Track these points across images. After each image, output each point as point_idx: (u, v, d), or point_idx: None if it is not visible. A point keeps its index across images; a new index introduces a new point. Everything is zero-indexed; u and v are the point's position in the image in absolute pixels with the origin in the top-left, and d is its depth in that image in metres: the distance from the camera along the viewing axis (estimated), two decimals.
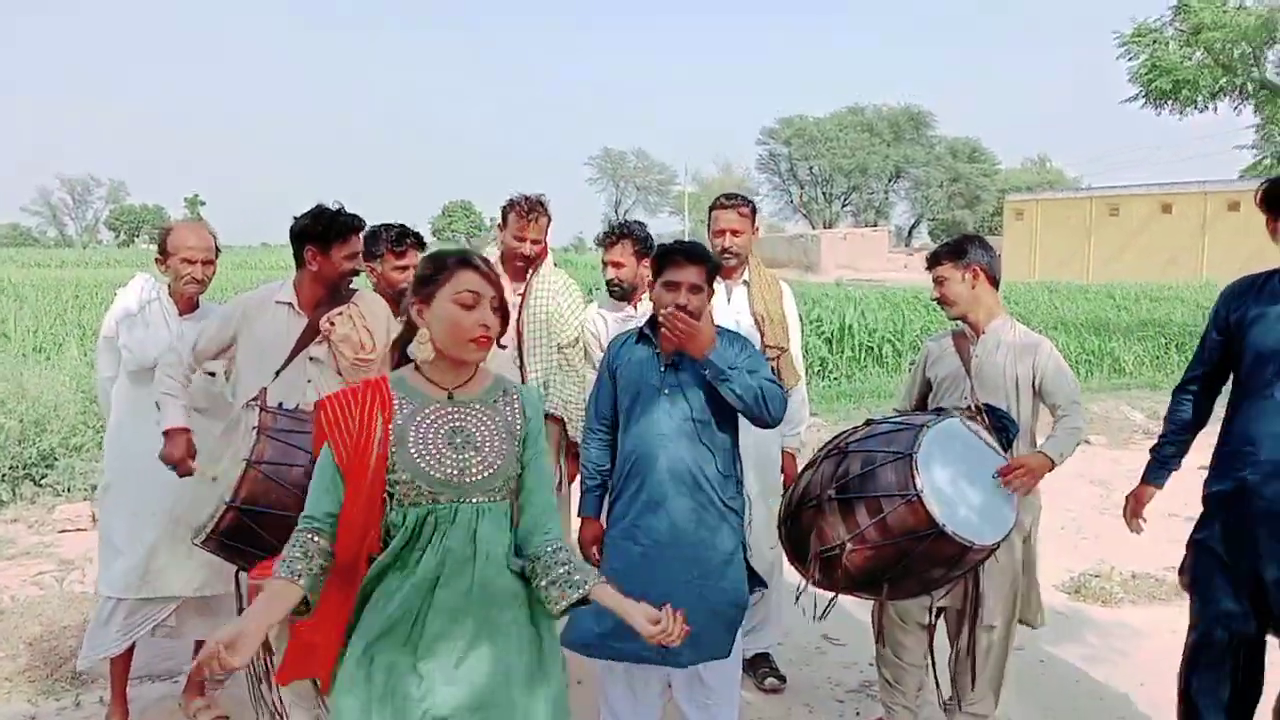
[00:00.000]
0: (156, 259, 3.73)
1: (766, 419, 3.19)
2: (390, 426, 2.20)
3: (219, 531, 3.08)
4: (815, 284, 29.33)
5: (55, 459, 7.18)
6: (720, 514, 3.21)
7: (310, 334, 3.47)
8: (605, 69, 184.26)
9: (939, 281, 3.60)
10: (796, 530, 3.29)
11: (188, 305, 3.76)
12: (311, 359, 3.45)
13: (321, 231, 3.42)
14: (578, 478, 3.69)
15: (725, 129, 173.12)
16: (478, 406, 2.29)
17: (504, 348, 2.65)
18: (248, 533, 3.07)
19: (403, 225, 3.91)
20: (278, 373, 3.41)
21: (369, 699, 2.17)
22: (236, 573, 3.34)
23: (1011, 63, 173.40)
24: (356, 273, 3.54)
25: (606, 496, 3.39)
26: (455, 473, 2.20)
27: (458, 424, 2.25)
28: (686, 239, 4.09)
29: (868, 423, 3.40)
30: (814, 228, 65.88)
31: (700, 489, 3.19)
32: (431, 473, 2.19)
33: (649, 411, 3.24)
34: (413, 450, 2.19)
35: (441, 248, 2.53)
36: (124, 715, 3.81)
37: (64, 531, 6.26)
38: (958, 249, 3.60)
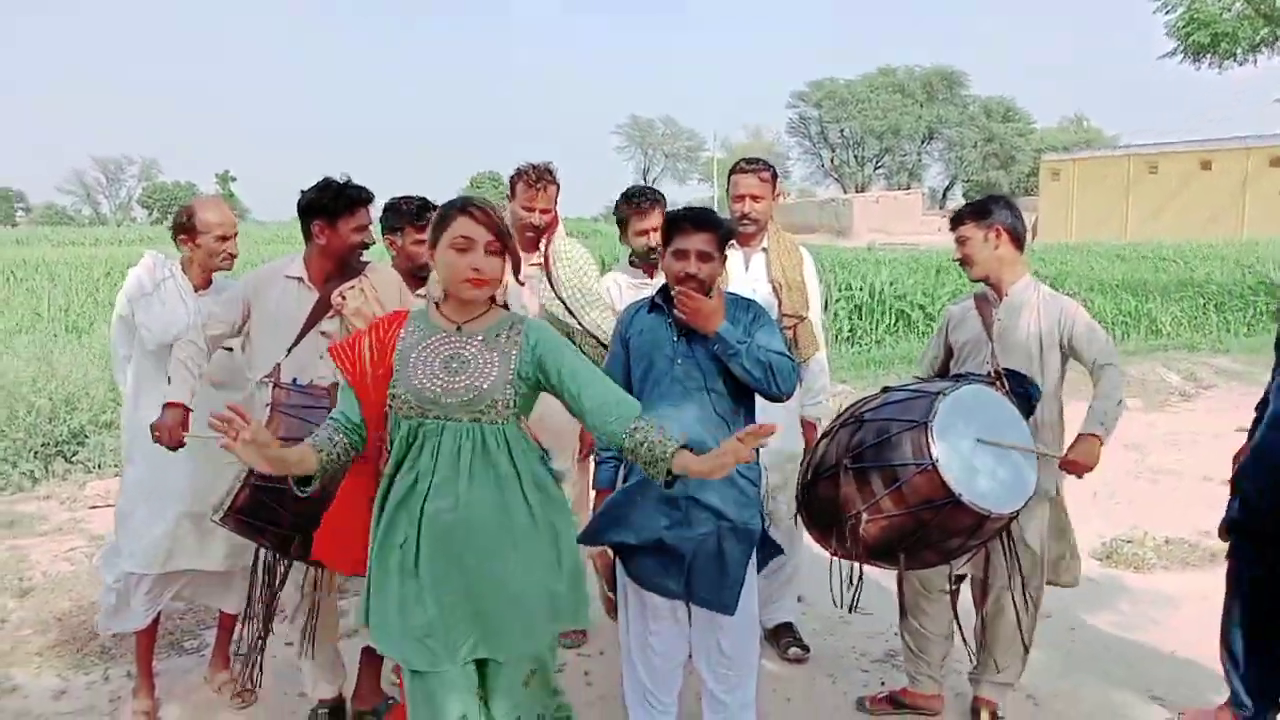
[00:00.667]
0: (181, 238, 3.69)
1: (776, 393, 3.13)
2: (397, 346, 2.55)
3: (236, 508, 3.08)
4: (847, 248, 29.07)
5: (86, 436, 7.26)
6: (733, 483, 3.15)
7: (322, 308, 3.45)
8: (632, 35, 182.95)
9: (961, 241, 3.52)
10: (813, 499, 3.25)
11: (204, 281, 3.75)
12: (323, 334, 3.43)
13: (328, 205, 3.40)
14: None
15: (754, 93, 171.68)
16: (479, 338, 2.54)
17: (521, 284, 2.88)
18: (265, 509, 3.07)
19: (424, 198, 3.86)
20: (290, 349, 3.40)
21: (402, 647, 2.51)
22: (257, 550, 3.36)
23: (1046, 19, 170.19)
24: (366, 246, 3.51)
25: (621, 468, 3.34)
26: (441, 391, 2.47)
27: (456, 351, 2.52)
28: (715, 206, 4.02)
29: (885, 390, 3.33)
30: (846, 192, 65.32)
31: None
32: (422, 390, 2.47)
33: (661, 381, 3.19)
34: (412, 369, 2.50)
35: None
36: (150, 690, 3.84)
37: (95, 508, 6.32)
38: (981, 208, 3.51)
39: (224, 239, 3.67)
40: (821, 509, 3.20)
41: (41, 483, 6.89)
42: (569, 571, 2.63)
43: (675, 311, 3.10)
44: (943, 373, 3.68)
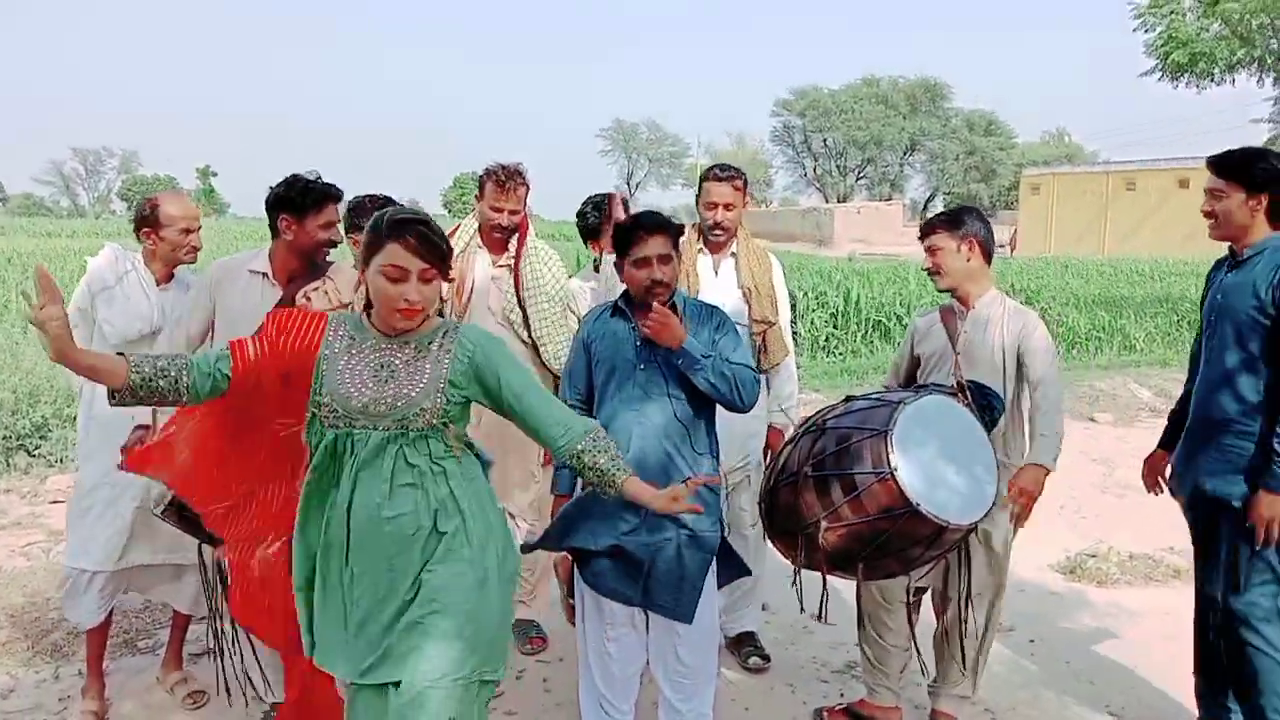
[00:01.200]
0: (145, 231, 3.62)
1: (739, 405, 3.13)
2: (321, 351, 2.46)
3: (176, 501, 3.03)
4: (827, 258, 29.15)
5: (49, 430, 7.16)
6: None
7: (287, 304, 3.41)
8: (619, 39, 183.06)
9: (932, 251, 3.50)
10: (775, 506, 3.24)
11: (166, 275, 3.69)
12: None
13: (296, 200, 3.36)
14: None
15: (739, 100, 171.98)
16: (411, 345, 2.46)
17: (441, 316, 2.73)
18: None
19: (387, 196, 3.83)
20: None
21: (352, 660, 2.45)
22: (199, 547, 3.31)
23: (1030, 35, 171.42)
24: (333, 243, 3.48)
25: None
26: (370, 400, 2.40)
27: (386, 359, 2.44)
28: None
29: (848, 399, 3.32)
30: (828, 201, 65.50)
31: (676, 466, 3.12)
32: (350, 399, 2.40)
33: (624, 387, 3.17)
34: (339, 376, 2.42)
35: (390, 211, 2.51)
36: (100, 690, 3.77)
37: (56, 502, 6.22)
38: (954, 218, 3.49)
39: (187, 232, 3.61)
40: (783, 516, 3.19)
41: (2, 476, 6.79)
42: (497, 602, 2.52)
43: (640, 325, 3.07)
44: (909, 382, 3.68)
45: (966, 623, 3.44)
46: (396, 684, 2.38)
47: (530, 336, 4.14)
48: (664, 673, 3.24)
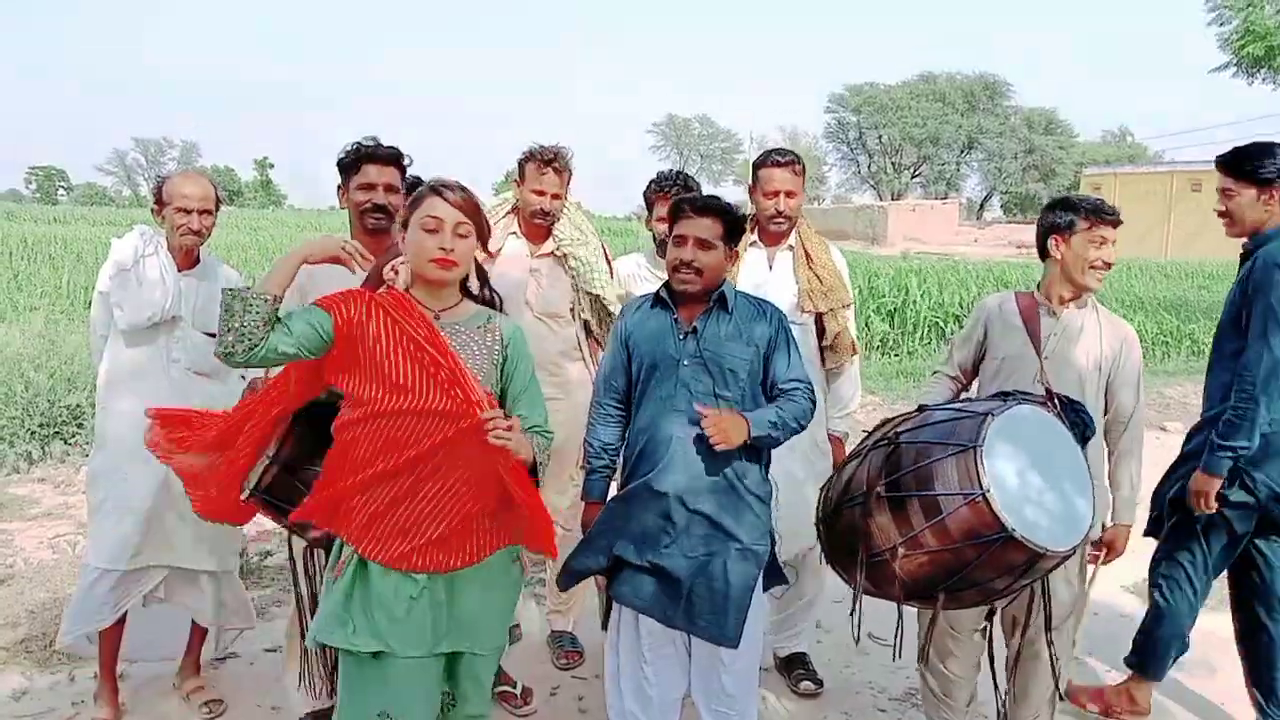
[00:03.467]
0: (153, 209, 3.47)
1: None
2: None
3: (262, 489, 2.83)
4: (880, 256, 28.63)
5: (85, 417, 7.04)
6: (742, 501, 2.86)
7: (374, 283, 3.20)
8: (671, 31, 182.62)
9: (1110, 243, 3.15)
10: (836, 529, 2.93)
11: (187, 260, 3.49)
12: None
13: (340, 163, 3.26)
14: None
15: (792, 96, 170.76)
16: (463, 328, 2.48)
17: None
18: (289, 489, 2.82)
19: (416, 177, 3.58)
20: None
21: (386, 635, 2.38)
22: (290, 537, 3.09)
23: (1093, 30, 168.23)
24: (378, 207, 3.24)
25: (614, 480, 3.07)
26: None
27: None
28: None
29: (920, 409, 3.00)
30: (882, 199, 64.60)
31: (722, 472, 2.85)
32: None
33: (666, 385, 2.91)
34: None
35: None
36: (113, 695, 3.60)
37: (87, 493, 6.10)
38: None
39: (184, 212, 3.39)
40: (847, 540, 2.87)
41: (38, 464, 6.69)
42: (517, 577, 2.67)
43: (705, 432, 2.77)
44: (974, 371, 3.37)
45: (1048, 650, 3.11)
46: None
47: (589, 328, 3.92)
48: (706, 703, 2.98)
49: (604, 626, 3.12)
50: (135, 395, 3.36)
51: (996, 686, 3.23)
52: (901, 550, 2.69)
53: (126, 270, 3.36)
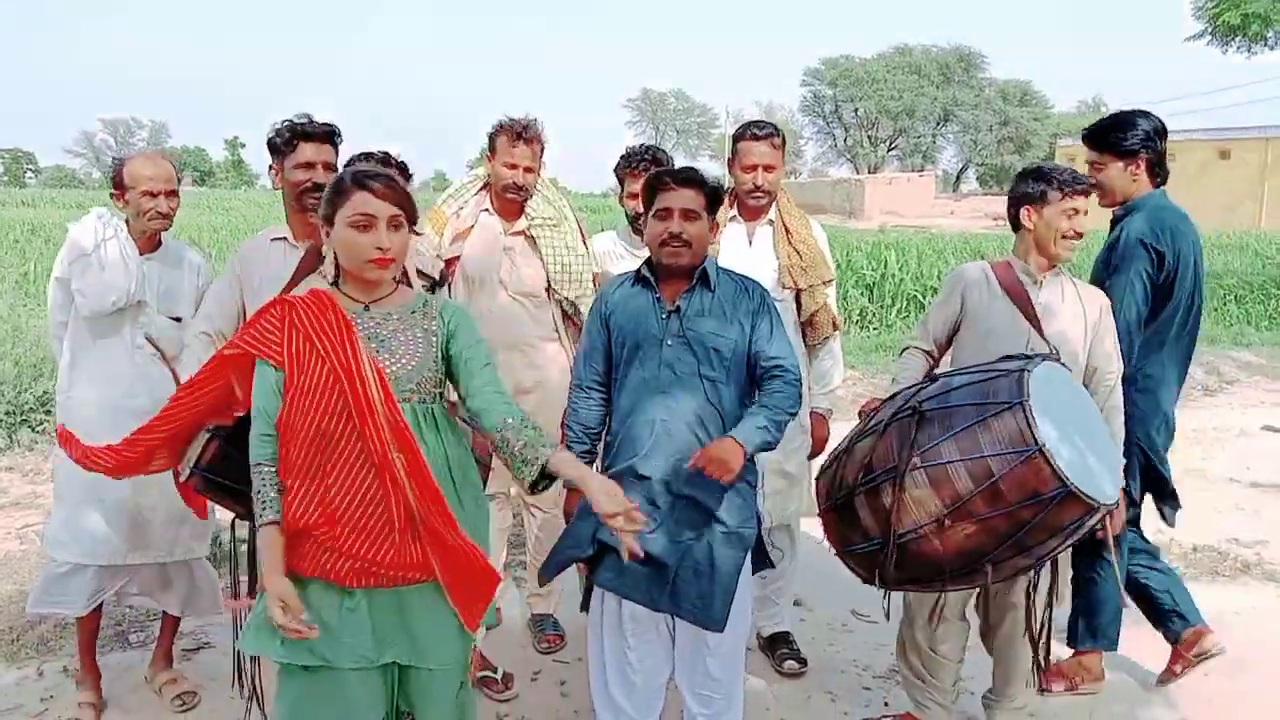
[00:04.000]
0: (112, 194, 3.34)
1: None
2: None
3: (203, 464, 2.72)
4: (857, 230, 28.58)
5: (53, 404, 6.88)
6: (727, 484, 2.79)
7: (310, 262, 3.13)
8: (646, 4, 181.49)
9: (1076, 215, 3.09)
10: (853, 514, 2.82)
11: (149, 243, 3.37)
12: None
13: (273, 142, 3.17)
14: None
15: (768, 70, 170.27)
16: (394, 315, 2.34)
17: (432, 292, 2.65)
18: (235, 465, 2.71)
19: (385, 152, 3.47)
20: None
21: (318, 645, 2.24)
22: (233, 521, 2.99)
23: (1068, 2, 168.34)
24: (320, 187, 3.13)
25: (596, 463, 2.99)
26: None
27: (372, 330, 2.30)
28: (727, 183, 3.65)
29: (933, 378, 2.91)
30: (858, 172, 64.55)
31: None
32: None
33: (648, 365, 2.83)
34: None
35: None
36: (95, 680, 3.52)
37: (54, 481, 5.97)
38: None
39: (150, 195, 3.27)
40: (871, 523, 2.76)
41: (5, 453, 6.54)
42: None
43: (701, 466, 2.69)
44: (947, 346, 3.31)
45: (1046, 622, 3.07)
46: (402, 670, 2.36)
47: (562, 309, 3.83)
48: (690, 686, 2.92)
49: (583, 608, 3.06)
50: (99, 382, 3.28)
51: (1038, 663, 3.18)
52: (947, 521, 2.60)
53: (87, 255, 3.24)
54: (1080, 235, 3.07)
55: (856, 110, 70.34)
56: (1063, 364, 2.89)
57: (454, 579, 2.29)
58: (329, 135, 3.21)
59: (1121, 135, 3.41)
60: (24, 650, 3.92)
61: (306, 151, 3.16)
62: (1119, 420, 3.14)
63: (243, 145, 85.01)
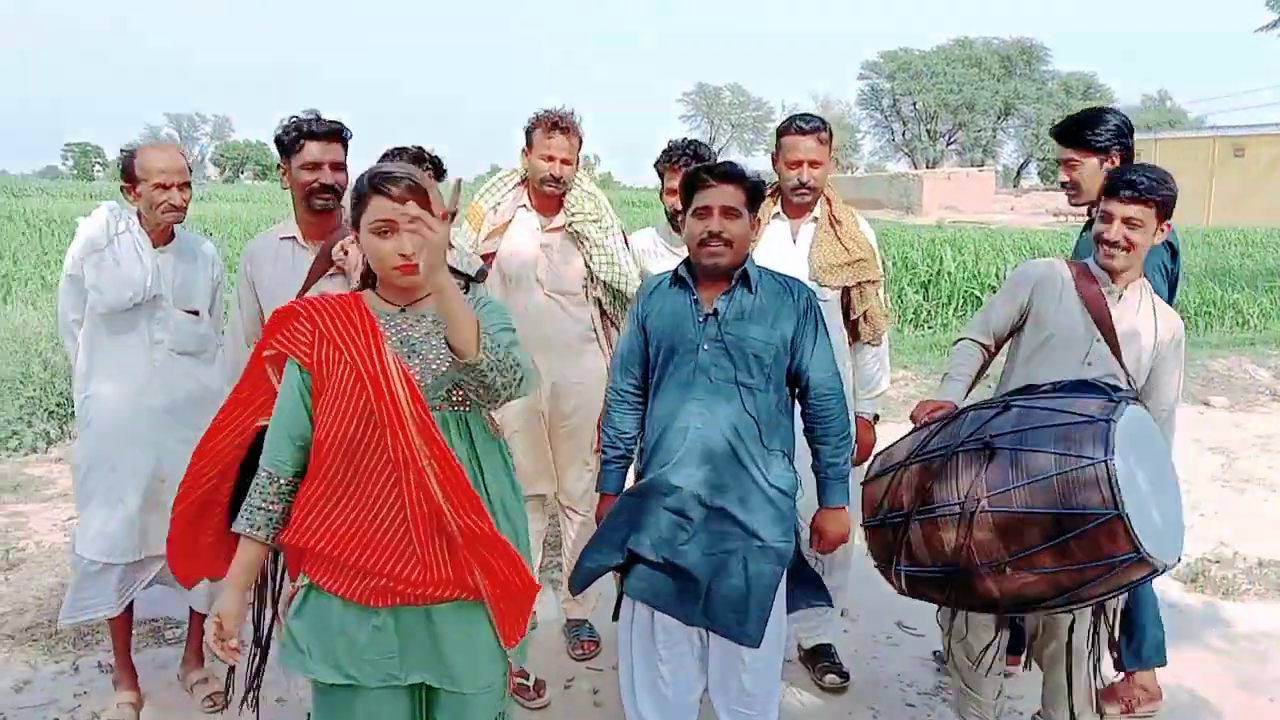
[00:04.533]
0: (123, 187, 3.26)
1: None
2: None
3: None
4: (914, 225, 28.17)
5: None
6: (764, 495, 2.68)
7: (322, 265, 3.09)
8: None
9: (1130, 224, 2.86)
10: (901, 538, 2.68)
11: (162, 236, 3.31)
12: (323, 295, 3.05)
13: (279, 141, 3.11)
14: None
15: (825, 63, 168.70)
16: (429, 318, 2.22)
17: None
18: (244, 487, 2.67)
19: (419, 147, 3.41)
20: None
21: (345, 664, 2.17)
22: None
23: None
24: (324, 186, 3.12)
25: (629, 470, 2.90)
26: None
27: (404, 334, 2.21)
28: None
29: (1006, 405, 2.70)
30: (916, 167, 63.68)
31: (743, 466, 2.67)
32: None
33: (683, 370, 2.73)
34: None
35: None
36: (133, 679, 3.51)
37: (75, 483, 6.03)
38: (1172, 200, 2.90)
39: (163, 188, 3.19)
40: (924, 554, 2.64)
41: (56, 444, 6.62)
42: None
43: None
44: (999, 345, 3.17)
45: (1099, 642, 2.92)
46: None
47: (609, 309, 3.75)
48: (724, 702, 2.82)
49: (615, 618, 2.97)
50: (117, 380, 3.23)
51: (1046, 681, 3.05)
52: (1009, 570, 2.46)
53: (101, 250, 3.17)
54: (1115, 244, 2.87)
55: (915, 104, 69.44)
56: (1138, 399, 2.72)
57: (496, 592, 2.20)
58: (336, 133, 3.15)
59: (1095, 132, 3.29)
60: (61, 644, 3.92)
61: (313, 151, 3.10)
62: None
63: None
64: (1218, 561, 4.91)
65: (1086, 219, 3.44)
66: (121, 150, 3.28)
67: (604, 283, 3.67)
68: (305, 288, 3.05)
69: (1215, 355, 10.29)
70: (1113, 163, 3.30)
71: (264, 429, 2.24)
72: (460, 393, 2.19)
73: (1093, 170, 3.30)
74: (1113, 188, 2.90)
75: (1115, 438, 2.37)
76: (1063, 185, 3.39)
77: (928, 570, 2.63)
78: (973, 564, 2.50)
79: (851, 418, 3.61)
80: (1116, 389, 2.66)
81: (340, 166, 3.13)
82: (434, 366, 2.18)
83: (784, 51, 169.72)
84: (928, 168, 60.86)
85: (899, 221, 32.02)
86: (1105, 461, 2.34)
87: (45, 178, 67.84)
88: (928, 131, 71.06)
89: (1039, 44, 67.77)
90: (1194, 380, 9.24)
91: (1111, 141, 3.30)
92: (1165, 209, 2.88)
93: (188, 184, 3.27)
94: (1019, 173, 71.23)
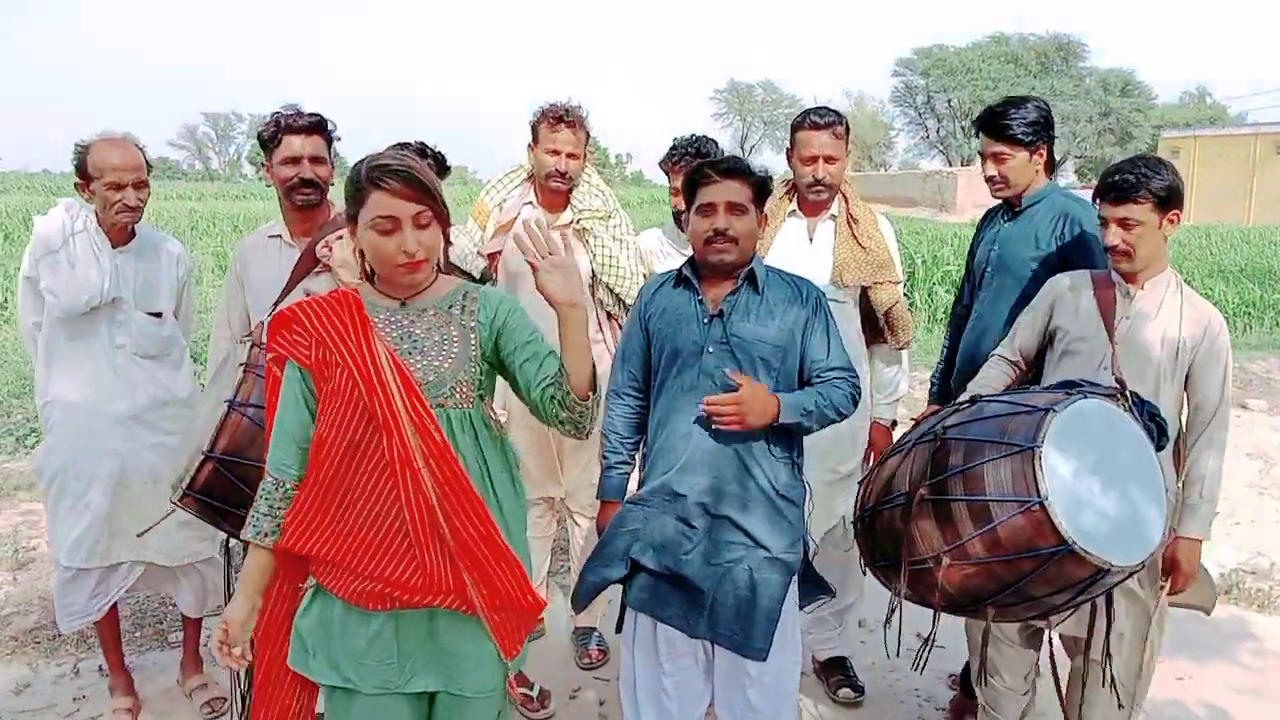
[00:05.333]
0: (77, 184, 3.12)
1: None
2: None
3: (196, 488, 2.61)
4: (948, 224, 27.84)
5: None
6: (771, 504, 2.57)
7: (307, 263, 3.00)
8: None
9: (1126, 225, 2.69)
10: (875, 532, 2.62)
11: (122, 235, 3.18)
12: (308, 293, 2.97)
13: (261, 137, 3.04)
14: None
15: (858, 59, 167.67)
16: (431, 312, 2.14)
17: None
18: (229, 488, 2.60)
19: (421, 143, 3.32)
20: (273, 309, 2.95)
21: (346, 668, 2.10)
22: (225, 541, 2.91)
23: None
24: (310, 182, 3.05)
25: (634, 475, 2.80)
26: None
27: (405, 330, 2.12)
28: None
29: (973, 400, 2.65)
30: (951, 164, 63.05)
31: (750, 474, 2.56)
32: None
33: (687, 374, 2.62)
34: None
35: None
36: (128, 685, 3.48)
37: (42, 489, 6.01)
38: (1171, 190, 2.71)
39: (116, 187, 3.05)
40: (885, 544, 2.57)
41: None
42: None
43: (710, 423, 2.51)
44: (1038, 361, 3.00)
45: (1106, 673, 2.77)
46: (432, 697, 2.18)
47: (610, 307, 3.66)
48: (731, 717, 2.70)
49: (618, 630, 2.87)
50: (77, 385, 3.15)
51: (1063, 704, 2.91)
52: (946, 560, 2.38)
53: (55, 251, 3.05)
54: (1112, 249, 2.72)
55: (950, 101, 68.71)
56: (1130, 394, 2.57)
57: (494, 603, 2.10)
58: (316, 126, 3.06)
59: (1025, 125, 3.17)
60: (64, 646, 3.89)
61: (292, 145, 3.02)
62: (1206, 461, 2.75)
63: (338, 138, 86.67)
64: (1253, 573, 4.73)
65: (1005, 204, 3.34)
66: (76, 145, 3.11)
67: (604, 284, 3.57)
68: (290, 286, 2.98)
69: (1254, 357, 10.05)
70: (1041, 156, 3.21)
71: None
72: (464, 390, 2.11)
73: (1023, 164, 3.19)
74: (1099, 191, 2.76)
75: (1050, 428, 2.30)
76: (989, 180, 3.24)
77: (888, 562, 2.57)
78: (920, 554, 2.43)
79: (866, 423, 3.50)
80: (1094, 385, 2.54)
81: (321, 160, 3.05)
82: (437, 363, 2.09)
83: (817, 48, 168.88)
84: (962, 165, 60.17)
85: (933, 219, 31.71)
86: (1033, 448, 2.27)
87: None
88: (962, 129, 70.25)
89: (1076, 40, 66.73)
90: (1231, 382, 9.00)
91: (1042, 135, 3.20)
92: (1165, 200, 2.69)
93: (144, 183, 3.13)
94: (1056, 170, 70.32)
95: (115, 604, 3.39)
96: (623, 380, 2.79)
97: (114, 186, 3.05)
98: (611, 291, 3.60)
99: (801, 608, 2.77)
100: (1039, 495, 2.24)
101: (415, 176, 2.04)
